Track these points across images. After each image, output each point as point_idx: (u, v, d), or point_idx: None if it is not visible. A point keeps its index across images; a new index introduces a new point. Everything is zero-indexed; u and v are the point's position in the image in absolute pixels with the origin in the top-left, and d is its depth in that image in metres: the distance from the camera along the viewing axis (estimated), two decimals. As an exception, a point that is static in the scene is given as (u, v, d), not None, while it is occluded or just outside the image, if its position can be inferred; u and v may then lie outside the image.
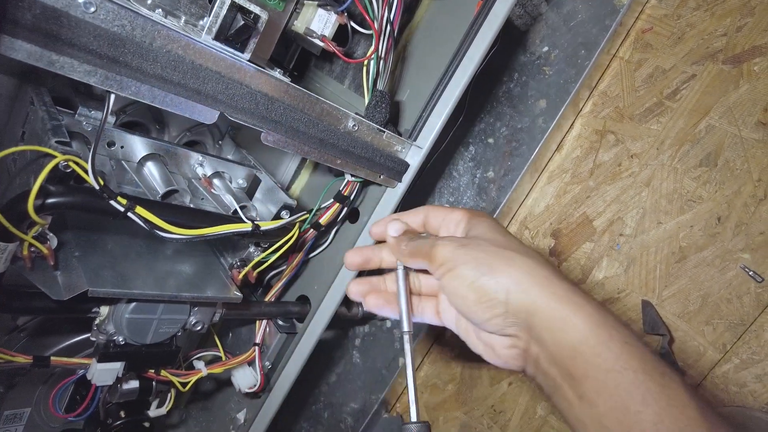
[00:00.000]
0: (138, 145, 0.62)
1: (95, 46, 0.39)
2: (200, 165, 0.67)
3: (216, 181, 0.68)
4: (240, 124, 0.49)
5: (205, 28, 0.42)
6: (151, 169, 0.62)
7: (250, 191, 0.73)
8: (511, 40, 0.90)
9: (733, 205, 0.68)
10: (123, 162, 0.61)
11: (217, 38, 0.43)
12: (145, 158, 0.62)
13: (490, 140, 0.90)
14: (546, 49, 0.86)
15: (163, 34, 0.42)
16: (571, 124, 0.83)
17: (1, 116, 0.56)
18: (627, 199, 0.76)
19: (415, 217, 0.50)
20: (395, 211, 0.73)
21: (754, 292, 0.65)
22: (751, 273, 0.65)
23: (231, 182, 0.71)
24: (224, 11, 0.42)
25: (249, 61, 0.48)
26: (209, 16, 0.44)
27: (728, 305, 0.66)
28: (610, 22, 0.81)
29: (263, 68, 0.56)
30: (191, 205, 0.61)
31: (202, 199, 0.67)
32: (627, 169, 0.76)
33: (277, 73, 0.62)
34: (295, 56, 0.78)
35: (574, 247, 0.79)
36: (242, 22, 0.42)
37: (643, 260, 0.73)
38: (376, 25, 0.58)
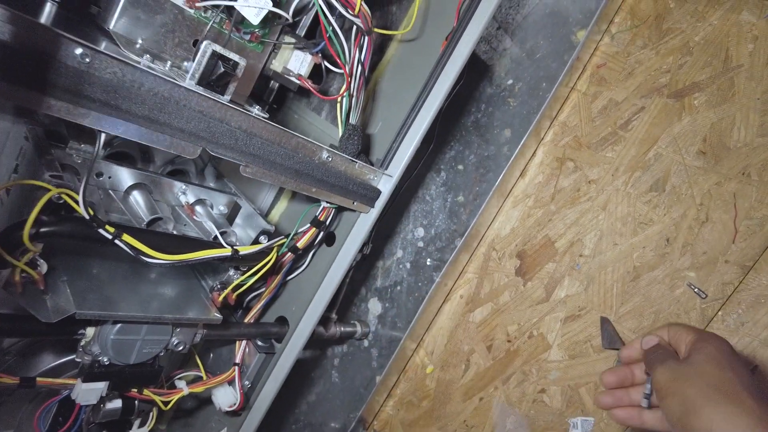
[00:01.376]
0: (125, 176, 0.66)
1: (89, 92, 0.43)
2: (183, 193, 0.71)
3: (198, 208, 0.72)
4: (221, 158, 0.54)
5: (189, 74, 0.47)
6: (137, 198, 0.66)
7: (230, 217, 0.78)
8: (479, 72, 0.96)
9: (679, 227, 0.74)
10: (111, 191, 0.65)
11: (199, 83, 0.47)
12: (132, 188, 0.66)
13: (460, 167, 0.95)
14: (510, 81, 0.93)
15: (150, 79, 0.46)
16: (534, 152, 0.89)
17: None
18: (585, 222, 0.81)
19: (662, 332, 0.55)
20: (370, 235, 0.77)
21: (699, 308, 0.71)
22: (696, 290, 0.71)
23: (212, 209, 0.75)
24: (206, 59, 0.46)
25: (230, 101, 0.53)
26: (193, 61, 0.48)
27: (677, 320, 0.72)
28: (568, 58, 0.88)
29: (242, 106, 0.61)
30: (174, 232, 0.65)
31: (185, 225, 0.70)
32: (585, 193, 0.82)
33: (255, 110, 0.67)
34: (275, 90, 0.83)
35: (538, 267, 0.84)
36: (222, 70, 0.47)
37: (602, 279, 0.78)
38: (347, 68, 0.63)
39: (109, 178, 0.64)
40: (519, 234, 0.88)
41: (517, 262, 0.87)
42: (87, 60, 0.43)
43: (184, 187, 0.71)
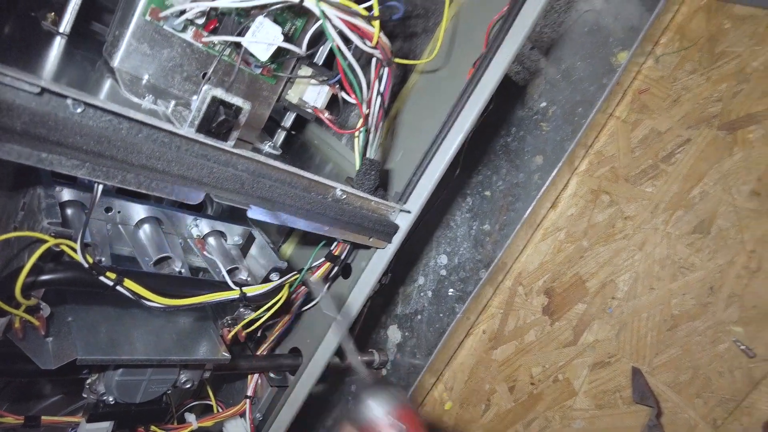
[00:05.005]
0: (135, 209, 0.64)
1: (81, 144, 0.41)
2: (196, 225, 0.69)
3: (211, 241, 0.70)
4: (226, 204, 0.51)
5: (188, 121, 0.44)
6: (147, 233, 0.64)
7: (245, 247, 0.75)
8: (509, 93, 0.91)
9: (726, 276, 0.67)
10: (120, 226, 0.63)
11: (199, 131, 0.45)
12: (142, 221, 0.64)
13: (487, 193, 0.90)
14: (544, 104, 0.87)
15: (147, 126, 0.44)
16: (567, 182, 0.83)
17: (9, 184, 0.59)
18: (620, 262, 0.75)
19: None
20: (389, 266, 0.74)
21: (746, 367, 0.64)
22: (743, 347, 0.64)
23: (227, 240, 0.73)
24: (206, 106, 0.44)
25: (238, 139, 0.50)
26: (194, 104, 0.45)
27: (720, 379, 0.65)
28: (608, 81, 0.81)
29: (251, 146, 0.58)
30: (182, 270, 0.62)
31: (198, 256, 0.69)
32: (621, 230, 0.76)
33: (266, 147, 0.64)
34: (294, 115, 0.79)
35: (567, 307, 0.79)
36: (223, 117, 0.44)
37: (635, 326, 0.72)
38: (363, 106, 0.59)
39: (119, 212, 0.63)
40: (548, 269, 0.82)
41: (544, 299, 0.82)
42: (79, 110, 0.40)
43: (196, 219, 0.69)
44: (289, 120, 0.78)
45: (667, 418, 0.68)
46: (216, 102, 0.44)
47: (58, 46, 0.56)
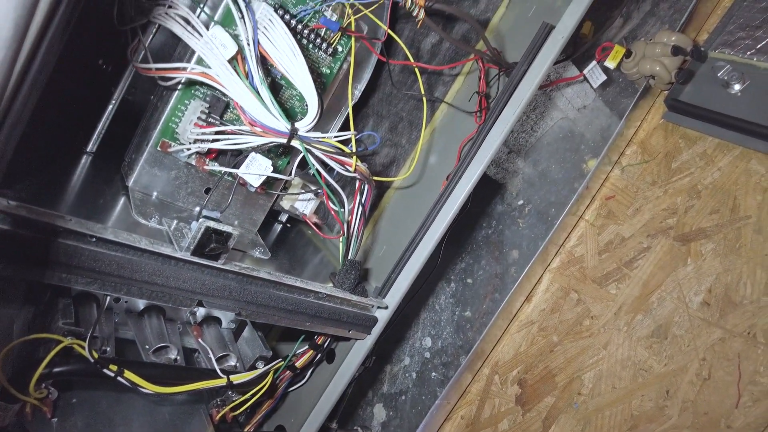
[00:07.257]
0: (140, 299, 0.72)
1: (94, 267, 0.50)
2: (192, 314, 0.77)
3: (205, 328, 0.77)
4: (216, 309, 0.59)
5: (184, 248, 0.53)
6: (150, 321, 0.72)
7: (239, 330, 0.82)
8: (491, 189, 0.98)
9: (680, 381, 0.71)
10: (126, 314, 0.71)
11: (194, 254, 0.53)
12: (146, 309, 0.72)
13: (469, 281, 0.97)
14: (521, 202, 0.95)
15: (148, 253, 0.52)
16: (540, 278, 0.89)
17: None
18: (586, 359, 0.80)
19: None
20: (372, 351, 0.80)
21: (698, 473, 0.67)
22: (694, 453, 0.68)
23: (222, 324, 0.80)
24: (200, 235, 0.52)
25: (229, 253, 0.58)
26: (192, 231, 0.54)
27: (674, 483, 0.69)
28: (578, 186, 0.89)
29: (241, 253, 0.66)
30: (177, 358, 0.70)
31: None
32: (587, 329, 0.81)
33: (257, 253, 0.72)
34: (290, 210, 0.88)
35: (537, 399, 0.83)
36: (214, 244, 0.52)
37: (598, 423, 0.76)
38: (344, 220, 0.67)
39: (125, 302, 0.71)
40: (521, 360, 0.87)
41: (518, 389, 0.86)
42: (93, 240, 0.49)
43: (194, 308, 0.77)
44: (284, 216, 0.87)
45: None
46: (209, 231, 0.53)
47: (83, 163, 0.66)
